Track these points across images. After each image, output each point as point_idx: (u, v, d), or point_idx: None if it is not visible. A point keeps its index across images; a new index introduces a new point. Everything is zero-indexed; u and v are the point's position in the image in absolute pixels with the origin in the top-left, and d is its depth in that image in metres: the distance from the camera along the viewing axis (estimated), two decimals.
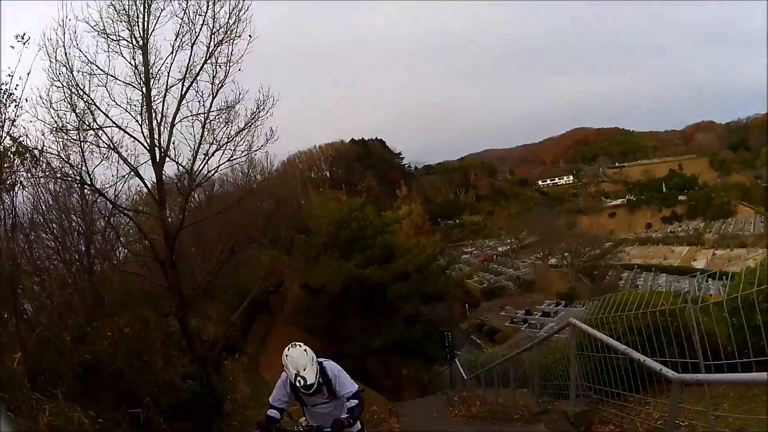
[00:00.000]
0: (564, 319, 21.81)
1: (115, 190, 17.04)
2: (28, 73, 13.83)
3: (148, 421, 13.93)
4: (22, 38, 13.53)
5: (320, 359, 6.24)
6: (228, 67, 16.21)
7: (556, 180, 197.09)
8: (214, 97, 16.34)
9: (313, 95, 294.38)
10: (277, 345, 39.40)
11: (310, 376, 5.76)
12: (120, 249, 22.69)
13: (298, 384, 5.79)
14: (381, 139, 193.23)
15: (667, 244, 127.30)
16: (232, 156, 17.20)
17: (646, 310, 8.65)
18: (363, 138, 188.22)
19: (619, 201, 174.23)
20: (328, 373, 6.22)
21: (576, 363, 9.60)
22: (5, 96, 13.33)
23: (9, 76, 13.28)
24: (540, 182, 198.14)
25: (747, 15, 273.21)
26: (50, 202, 17.25)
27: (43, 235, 17.86)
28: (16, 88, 13.55)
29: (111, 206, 17.94)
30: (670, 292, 10.28)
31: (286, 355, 5.91)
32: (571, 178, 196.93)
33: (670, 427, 6.57)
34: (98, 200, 18.18)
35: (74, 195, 17.69)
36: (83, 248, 17.67)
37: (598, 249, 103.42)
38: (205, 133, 16.48)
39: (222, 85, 16.33)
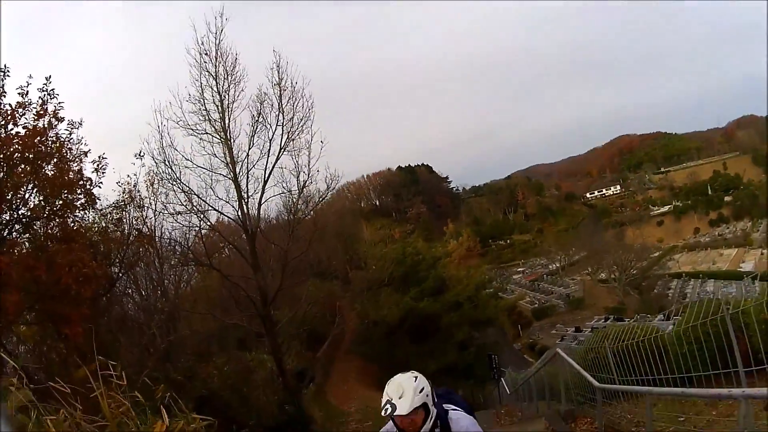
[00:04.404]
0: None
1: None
2: (156, 184, 18.59)
3: None
4: (140, 155, 18.30)
5: (449, 405, 4.65)
6: (308, 158, 20.35)
7: (603, 191, 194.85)
8: (300, 192, 20.77)
9: (358, 124, 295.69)
10: (339, 373, 42.31)
11: (403, 407, 4.08)
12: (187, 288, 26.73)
13: (383, 413, 4.15)
14: (427, 165, 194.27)
15: (716, 248, 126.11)
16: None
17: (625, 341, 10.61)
18: (409, 165, 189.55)
19: (665, 208, 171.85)
20: (451, 427, 4.43)
21: (562, 378, 13.16)
22: (128, 198, 17.89)
23: (134, 186, 18.00)
24: (588, 194, 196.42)
25: None
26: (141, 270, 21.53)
27: (135, 296, 22.17)
28: (138, 191, 18.30)
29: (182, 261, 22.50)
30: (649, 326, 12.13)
31: (388, 383, 4.30)
32: (618, 187, 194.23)
33: (599, 420, 10.09)
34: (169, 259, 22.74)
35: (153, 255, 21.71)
36: (160, 303, 21.70)
37: (646, 260, 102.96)
38: (291, 216, 20.90)
39: (307, 184, 20.84)
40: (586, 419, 11.79)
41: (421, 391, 4.19)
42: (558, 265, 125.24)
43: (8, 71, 12.83)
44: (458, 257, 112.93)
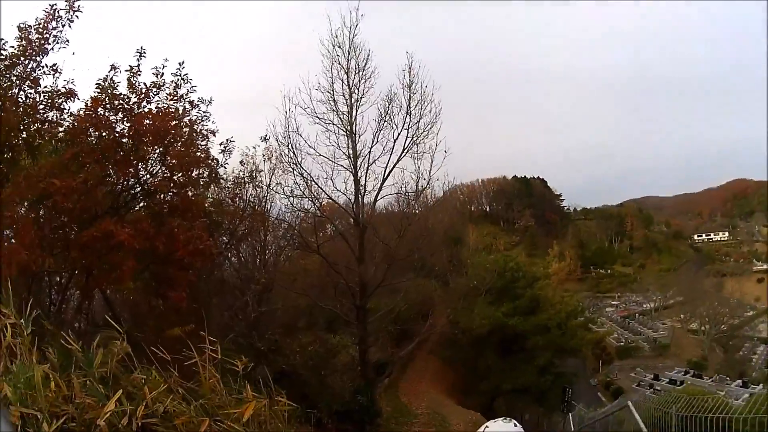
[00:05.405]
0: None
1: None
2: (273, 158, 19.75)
3: (319, 420, 18.76)
4: (265, 138, 19.49)
5: None
6: (430, 165, 20.93)
7: (711, 235, 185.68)
8: (417, 197, 21.95)
9: (475, 125, 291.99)
10: (415, 371, 42.46)
11: None
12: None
13: None
14: (542, 178, 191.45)
15: None
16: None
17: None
18: (525, 176, 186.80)
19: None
20: None
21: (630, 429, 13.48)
22: (249, 177, 18.94)
23: (256, 168, 19.12)
24: (696, 236, 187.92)
25: None
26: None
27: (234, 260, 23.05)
28: (258, 170, 19.42)
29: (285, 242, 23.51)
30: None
31: (486, 426, 3.89)
32: (727, 234, 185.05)
33: None
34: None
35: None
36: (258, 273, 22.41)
37: (738, 318, 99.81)
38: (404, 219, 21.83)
39: (425, 189, 21.86)
40: None
41: None
42: (652, 305, 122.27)
43: (144, 53, 13.56)
44: (557, 280, 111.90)
